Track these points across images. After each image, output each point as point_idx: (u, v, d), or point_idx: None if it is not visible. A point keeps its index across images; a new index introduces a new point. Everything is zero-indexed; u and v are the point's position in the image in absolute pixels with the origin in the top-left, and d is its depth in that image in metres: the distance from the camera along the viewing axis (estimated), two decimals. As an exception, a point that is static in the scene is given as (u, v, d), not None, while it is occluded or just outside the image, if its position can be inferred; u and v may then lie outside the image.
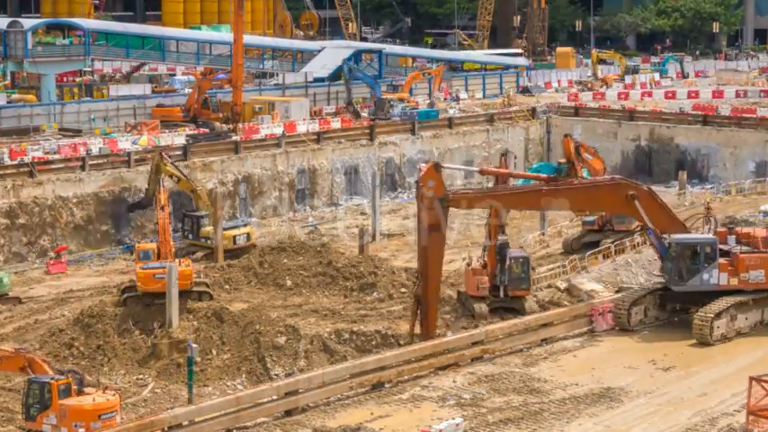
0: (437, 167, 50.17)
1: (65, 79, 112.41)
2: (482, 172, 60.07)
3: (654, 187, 57.08)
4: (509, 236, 56.96)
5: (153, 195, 73.82)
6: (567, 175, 63.21)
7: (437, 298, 51.53)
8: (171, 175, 71.60)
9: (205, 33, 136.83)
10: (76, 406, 39.22)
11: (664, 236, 52.68)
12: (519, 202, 54.33)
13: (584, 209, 55.52)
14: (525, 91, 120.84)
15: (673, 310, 53.83)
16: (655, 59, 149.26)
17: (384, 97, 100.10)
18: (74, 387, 39.89)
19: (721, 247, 52.53)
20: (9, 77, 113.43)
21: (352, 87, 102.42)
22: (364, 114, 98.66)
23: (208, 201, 70.84)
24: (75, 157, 77.21)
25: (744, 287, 51.85)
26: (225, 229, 68.35)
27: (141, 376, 49.41)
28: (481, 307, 54.18)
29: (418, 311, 50.73)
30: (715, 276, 51.76)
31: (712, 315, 50.43)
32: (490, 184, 62.62)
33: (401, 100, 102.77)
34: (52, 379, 39.65)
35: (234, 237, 68.65)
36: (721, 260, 51.95)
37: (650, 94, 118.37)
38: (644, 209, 52.26)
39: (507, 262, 54.03)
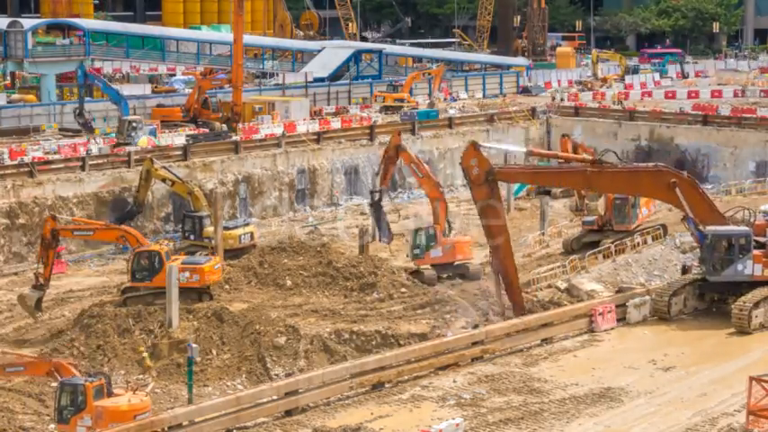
0: (476, 146, 53.26)
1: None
2: (532, 153, 62.24)
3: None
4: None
5: (142, 203, 73.79)
6: None
7: (515, 268, 54.08)
8: (164, 180, 71.09)
9: (205, 33, 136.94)
10: (112, 407, 39.14)
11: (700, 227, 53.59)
12: (562, 181, 57.70)
13: (623, 192, 56.98)
14: (525, 91, 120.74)
15: (711, 300, 54.66)
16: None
17: (125, 119, 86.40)
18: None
19: (757, 239, 53.42)
20: (9, 77, 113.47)
21: (83, 93, 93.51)
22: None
23: (206, 202, 70.53)
24: (75, 157, 77.24)
25: None
26: (229, 229, 68.24)
27: (141, 376, 49.38)
28: (430, 273, 59.50)
29: (502, 284, 53.67)
30: (749, 267, 52.64)
31: (751, 305, 51.32)
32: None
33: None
34: (86, 381, 39.43)
35: (239, 236, 68.59)
36: (756, 252, 52.85)
37: (650, 94, 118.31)
38: (685, 197, 52.83)
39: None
